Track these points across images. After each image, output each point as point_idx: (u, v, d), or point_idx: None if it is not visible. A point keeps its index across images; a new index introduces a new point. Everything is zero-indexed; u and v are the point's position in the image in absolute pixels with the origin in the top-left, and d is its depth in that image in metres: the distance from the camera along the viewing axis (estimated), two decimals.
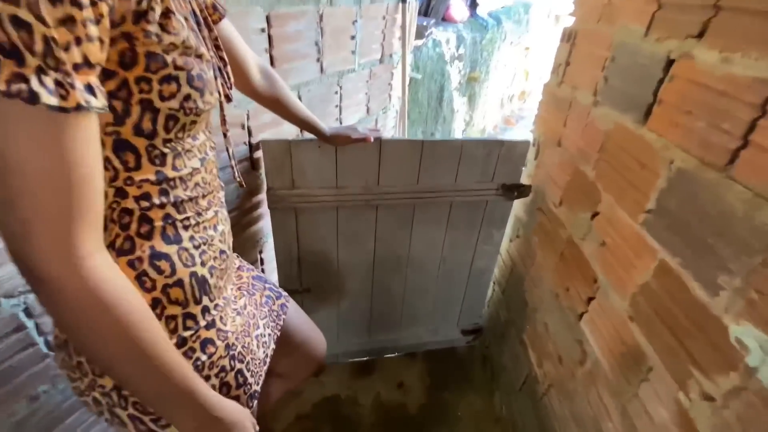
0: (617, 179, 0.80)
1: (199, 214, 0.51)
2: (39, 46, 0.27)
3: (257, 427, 0.58)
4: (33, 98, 0.27)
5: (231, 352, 0.56)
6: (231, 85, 0.54)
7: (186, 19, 0.42)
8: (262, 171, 1.06)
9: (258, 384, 0.63)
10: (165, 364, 0.40)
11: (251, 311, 0.67)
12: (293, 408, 1.32)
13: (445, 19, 2.39)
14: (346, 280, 1.32)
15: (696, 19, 0.61)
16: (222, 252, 0.55)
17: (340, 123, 1.36)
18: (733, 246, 0.54)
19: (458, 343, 1.64)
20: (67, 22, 0.28)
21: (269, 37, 0.92)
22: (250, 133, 0.99)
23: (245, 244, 1.12)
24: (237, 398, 0.59)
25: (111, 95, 0.38)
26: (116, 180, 0.43)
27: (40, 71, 0.28)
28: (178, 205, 0.48)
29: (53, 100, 0.28)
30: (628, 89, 0.78)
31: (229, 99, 0.56)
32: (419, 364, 1.57)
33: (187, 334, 0.49)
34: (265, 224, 1.18)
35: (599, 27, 0.91)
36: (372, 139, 1.00)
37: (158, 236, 0.46)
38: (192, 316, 0.50)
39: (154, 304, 0.46)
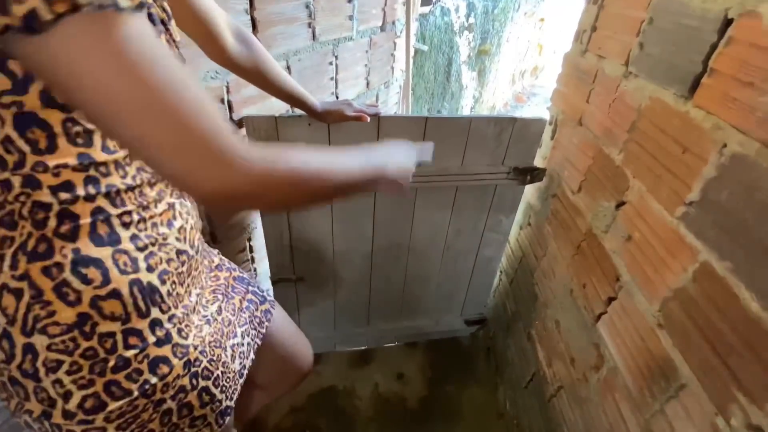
0: (652, 164, 0.69)
1: (144, 207, 0.41)
2: None
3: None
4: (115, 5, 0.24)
5: (193, 369, 0.48)
6: (176, 45, 0.44)
7: None
8: None
9: (231, 399, 0.56)
10: (350, 174, 0.42)
11: (227, 317, 0.59)
12: (287, 399, 1.27)
13: None
14: (343, 269, 1.24)
15: None
16: (181, 252, 0.46)
17: (336, 96, 1.24)
18: None
19: (461, 333, 1.57)
20: None
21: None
22: (231, 109, 0.88)
23: (231, 231, 1.03)
24: (203, 417, 0.51)
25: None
26: (22, 166, 0.33)
27: None
28: (113, 196, 0.38)
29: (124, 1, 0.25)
30: (670, 57, 0.65)
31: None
32: (420, 354, 1.51)
33: (129, 353, 0.41)
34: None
35: None
36: (369, 118, 0.89)
37: (85, 236, 0.37)
38: (136, 333, 0.41)
39: (81, 320, 0.38)
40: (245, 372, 0.61)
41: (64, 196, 0.35)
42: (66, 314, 0.37)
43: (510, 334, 1.31)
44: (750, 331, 0.49)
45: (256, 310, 0.69)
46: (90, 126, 0.35)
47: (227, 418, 0.55)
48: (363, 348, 1.51)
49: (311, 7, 0.97)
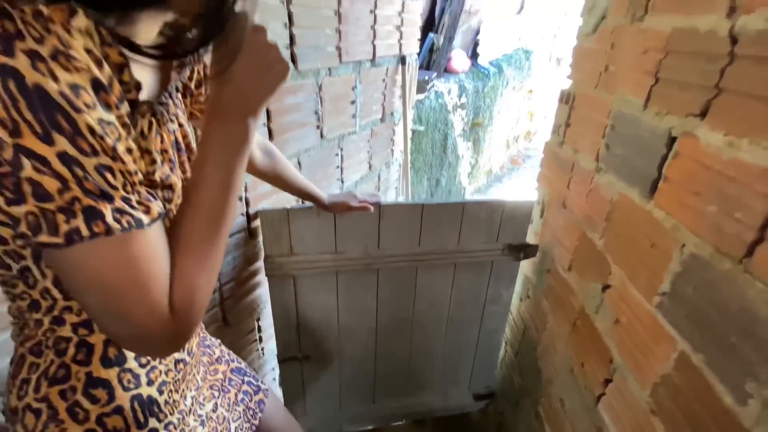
0: (627, 254, 0.75)
1: None
2: (118, 178, 0.31)
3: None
4: (139, 224, 0.32)
5: None
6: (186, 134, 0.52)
7: (165, 151, 0.42)
8: (260, 239, 1.04)
9: None
10: (227, 205, 0.40)
11: (221, 414, 0.62)
12: None
13: (447, 71, 2.46)
14: (348, 345, 1.26)
15: (696, 98, 0.60)
16: (179, 361, 0.52)
17: (341, 182, 1.36)
18: (759, 350, 0.48)
19: (470, 408, 1.54)
20: (130, 150, 0.33)
21: (267, 112, 0.93)
22: (247, 204, 0.98)
23: (242, 313, 1.09)
24: None
25: None
26: (53, 310, 0.40)
27: (126, 200, 0.32)
28: None
29: (146, 219, 0.33)
30: (632, 160, 0.75)
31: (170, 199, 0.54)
32: (428, 431, 1.46)
33: None
34: (263, 292, 1.15)
35: (598, 93, 0.90)
36: (372, 208, 0.98)
37: (97, 360, 0.43)
38: None
39: None
40: None
41: (83, 331, 0.42)
42: (74, 431, 0.42)
43: (519, 410, 1.29)
44: (728, 424, 0.52)
45: (250, 401, 0.72)
46: None
47: None
48: (370, 428, 1.47)
49: (319, 113, 1.12)
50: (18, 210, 0.28)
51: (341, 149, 1.28)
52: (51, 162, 0.27)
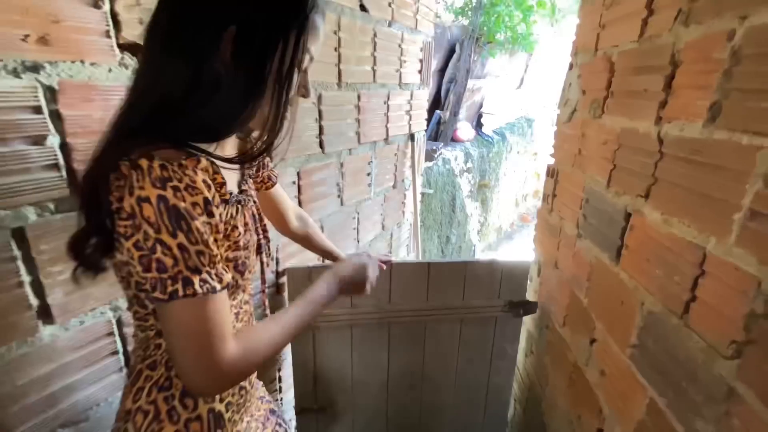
0: (605, 310, 0.87)
1: None
2: (207, 260, 0.47)
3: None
4: (213, 290, 0.47)
5: None
6: (271, 256, 0.70)
7: (246, 224, 0.59)
8: (286, 294, 1.19)
9: None
10: (298, 327, 0.59)
11: None
12: None
13: (454, 140, 2.72)
14: (361, 398, 1.34)
15: (641, 183, 0.75)
16: (242, 388, 0.65)
17: (357, 241, 1.52)
18: (702, 393, 0.58)
19: None
20: (216, 241, 0.49)
21: (299, 186, 1.13)
22: (277, 263, 1.14)
23: (266, 364, 1.20)
24: None
25: None
26: None
27: (208, 273, 0.47)
28: None
29: (219, 287, 0.48)
30: (602, 229, 0.89)
31: (268, 265, 0.72)
32: None
33: None
34: None
35: (574, 171, 1.07)
36: (384, 266, 1.13)
37: None
38: None
39: None
40: None
41: None
42: (168, 430, 0.55)
43: None
44: None
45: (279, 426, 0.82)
46: None
47: None
48: None
49: (340, 184, 1.31)
50: (146, 275, 0.45)
51: (358, 213, 1.46)
52: (173, 249, 0.44)
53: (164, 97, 0.47)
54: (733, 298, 0.53)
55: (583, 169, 1.01)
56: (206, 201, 0.47)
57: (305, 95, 0.60)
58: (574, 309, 1.04)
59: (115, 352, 0.78)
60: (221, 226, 0.51)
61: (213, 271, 0.48)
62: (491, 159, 3.08)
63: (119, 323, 0.77)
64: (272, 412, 0.84)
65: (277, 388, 1.27)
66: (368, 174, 1.48)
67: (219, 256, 0.50)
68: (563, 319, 1.10)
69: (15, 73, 0.56)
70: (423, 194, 2.15)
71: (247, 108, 0.50)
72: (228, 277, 0.50)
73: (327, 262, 1.13)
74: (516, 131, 3.44)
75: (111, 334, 0.76)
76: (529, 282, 1.31)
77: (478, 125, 3.10)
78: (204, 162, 0.48)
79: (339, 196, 1.33)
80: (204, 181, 0.47)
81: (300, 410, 1.30)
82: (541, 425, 1.21)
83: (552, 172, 1.22)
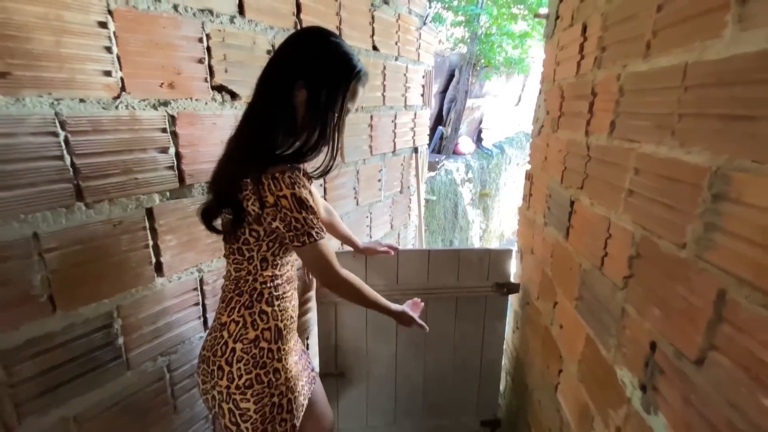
0: (561, 277, 1.13)
1: (285, 293, 0.90)
2: (316, 223, 0.81)
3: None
4: (322, 237, 0.82)
5: (289, 384, 0.90)
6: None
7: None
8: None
9: (298, 420, 0.93)
10: (371, 302, 0.98)
11: (300, 367, 1.00)
12: None
13: (455, 153, 3.02)
14: (374, 366, 1.59)
15: (579, 178, 1.03)
16: (291, 317, 0.93)
17: (370, 237, 1.81)
18: (611, 317, 0.84)
19: None
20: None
21: (324, 189, 1.43)
22: None
23: (298, 331, 1.48)
24: (284, 422, 0.89)
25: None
26: (256, 276, 0.85)
27: (318, 229, 0.81)
28: (277, 287, 0.88)
29: (324, 235, 0.83)
30: (558, 216, 1.17)
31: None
32: None
33: (268, 360, 0.86)
34: (312, 315, 1.55)
35: (542, 174, 1.35)
36: (392, 252, 1.41)
37: (264, 300, 0.86)
38: (272, 351, 0.86)
39: (255, 339, 0.84)
40: (305, 404, 0.98)
41: (259, 286, 0.86)
42: (250, 335, 0.84)
43: (517, 428, 1.54)
44: (604, 367, 0.85)
45: (311, 372, 1.09)
46: (277, 262, 0.87)
47: None
48: None
49: (356, 188, 1.61)
50: (288, 234, 0.77)
51: (370, 213, 1.75)
52: (299, 219, 0.76)
53: (264, 128, 0.79)
54: (623, 249, 0.80)
55: (547, 171, 1.29)
56: (310, 191, 0.80)
57: None
58: (544, 284, 1.30)
59: (197, 304, 1.07)
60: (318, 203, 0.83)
61: (319, 227, 0.81)
62: (491, 170, 3.37)
63: (201, 282, 1.07)
64: (305, 353, 1.12)
65: None
66: (379, 180, 1.77)
67: (320, 220, 0.83)
68: (537, 293, 1.36)
69: (154, 107, 0.88)
70: (427, 200, 2.43)
71: (319, 144, 0.83)
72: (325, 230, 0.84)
73: (347, 248, 1.42)
74: (515, 145, 3.73)
75: (196, 289, 1.06)
76: (513, 267, 1.57)
77: (479, 139, 3.40)
78: (303, 170, 0.83)
79: (355, 197, 1.63)
80: (305, 183, 0.80)
81: (323, 375, 1.56)
82: (524, 385, 1.45)
83: (529, 176, 1.50)
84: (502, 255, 1.52)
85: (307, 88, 0.79)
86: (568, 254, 1.08)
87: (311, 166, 0.90)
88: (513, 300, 1.60)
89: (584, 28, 1.03)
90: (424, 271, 1.50)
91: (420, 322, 1.12)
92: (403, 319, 1.10)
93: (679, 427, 0.62)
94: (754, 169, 0.50)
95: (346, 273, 0.90)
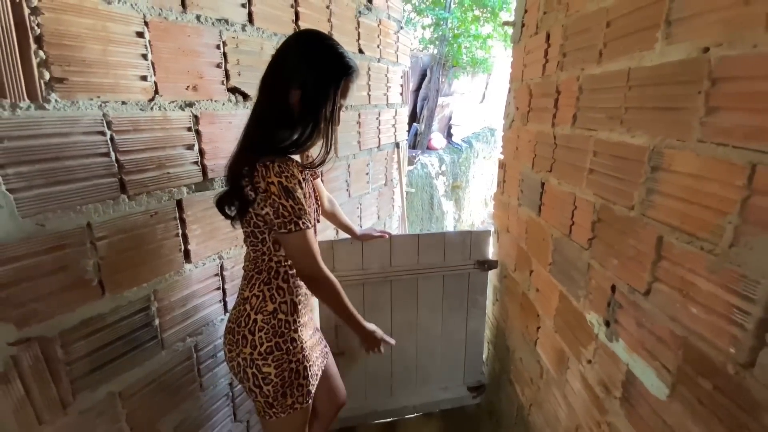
0: (535, 248, 1.33)
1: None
2: (303, 212, 0.88)
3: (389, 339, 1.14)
4: (307, 227, 0.87)
5: (304, 353, 1.01)
6: (319, 218, 1.11)
7: (307, 194, 1.01)
8: None
9: (313, 387, 1.05)
10: (345, 308, 1.00)
11: (314, 341, 1.11)
12: None
13: (429, 148, 3.21)
14: None
15: (548, 163, 1.22)
16: (305, 293, 1.05)
17: (361, 227, 1.94)
18: (578, 273, 1.04)
19: (467, 401, 1.95)
20: (307, 199, 0.89)
21: (321, 181, 1.55)
22: None
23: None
24: (301, 387, 1.01)
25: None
26: (271, 255, 0.96)
27: (304, 219, 0.87)
28: (291, 266, 1.00)
29: (310, 225, 0.89)
30: (530, 196, 1.36)
31: (318, 221, 1.12)
32: (435, 423, 1.86)
33: (286, 330, 0.97)
34: (315, 300, 1.66)
35: (514, 162, 1.54)
36: (387, 236, 1.56)
37: (280, 277, 0.98)
38: (289, 323, 0.98)
39: (274, 311, 0.95)
40: (318, 377, 1.09)
41: (276, 266, 0.97)
42: (269, 307, 0.95)
43: (500, 388, 1.74)
44: (575, 314, 1.05)
45: (324, 347, 1.21)
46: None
47: (308, 401, 1.04)
48: (389, 420, 1.86)
49: (348, 181, 1.74)
50: (276, 221, 0.86)
51: (360, 204, 1.88)
52: (287, 207, 0.85)
53: (264, 124, 0.89)
54: (586, 216, 1.00)
55: (519, 159, 1.49)
56: (299, 181, 0.88)
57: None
58: (520, 257, 1.50)
59: (218, 288, 1.16)
60: (308, 193, 0.93)
61: (306, 218, 0.89)
62: (461, 164, 3.60)
63: (221, 268, 1.16)
64: (318, 330, 1.23)
65: None
66: (367, 173, 1.91)
67: (308, 211, 0.91)
68: (514, 266, 1.56)
69: (181, 108, 0.97)
70: (407, 192, 2.60)
71: (312, 136, 0.91)
72: (313, 221, 0.92)
73: (344, 236, 1.54)
74: (481, 139, 3.99)
75: (217, 274, 1.15)
76: (490, 246, 1.76)
77: (449, 135, 3.61)
78: (295, 162, 0.91)
79: (347, 189, 1.76)
80: (296, 172, 0.88)
81: None
82: (505, 348, 1.65)
83: (502, 165, 1.70)
84: (481, 235, 1.71)
85: (302, 85, 0.87)
86: (541, 227, 1.27)
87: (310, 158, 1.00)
88: (491, 276, 1.80)
89: (548, 36, 1.22)
90: (414, 253, 1.66)
91: (388, 339, 1.16)
92: (371, 339, 1.11)
93: (635, 345, 0.81)
94: (678, 145, 0.70)
95: (328, 272, 0.94)
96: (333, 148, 0.94)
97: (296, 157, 1.00)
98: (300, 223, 0.86)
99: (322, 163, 0.94)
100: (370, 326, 1.10)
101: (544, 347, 1.27)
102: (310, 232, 0.89)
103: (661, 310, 0.74)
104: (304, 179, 0.94)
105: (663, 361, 0.74)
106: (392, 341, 1.16)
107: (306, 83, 0.87)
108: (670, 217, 0.71)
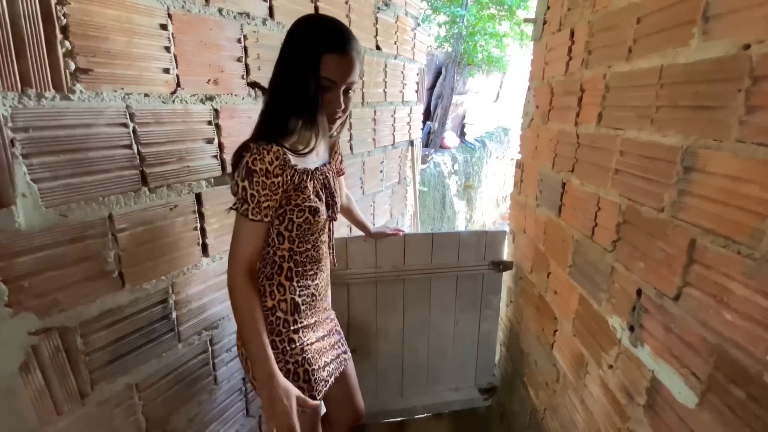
0: (554, 250, 1.30)
1: (306, 271, 1.00)
2: (254, 200, 0.83)
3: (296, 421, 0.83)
4: (247, 216, 0.83)
5: (304, 355, 0.97)
6: (336, 216, 1.08)
7: (318, 192, 0.98)
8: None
9: (318, 393, 1.00)
10: (258, 332, 0.84)
11: (326, 345, 1.08)
12: None
13: (442, 147, 3.18)
14: (382, 343, 1.73)
15: (570, 163, 1.20)
16: (313, 294, 1.02)
17: (374, 224, 1.93)
18: (601, 276, 1.01)
19: (477, 403, 1.92)
20: (270, 192, 0.84)
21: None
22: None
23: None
24: (301, 389, 0.94)
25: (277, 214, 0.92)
26: (276, 249, 0.95)
27: (253, 207, 0.83)
28: (296, 263, 0.98)
29: (252, 217, 0.83)
30: (550, 197, 1.34)
31: (334, 219, 1.09)
32: (445, 424, 1.84)
33: (284, 329, 0.95)
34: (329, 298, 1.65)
35: (533, 162, 1.52)
36: (401, 234, 1.54)
37: (283, 274, 0.96)
38: (288, 322, 0.96)
39: (273, 308, 0.94)
40: (330, 381, 1.05)
41: (280, 261, 0.95)
42: (268, 303, 0.93)
43: (513, 390, 1.71)
44: (596, 318, 1.02)
45: (343, 353, 1.18)
46: (295, 239, 0.97)
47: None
48: (399, 420, 1.85)
49: (362, 178, 1.73)
50: (235, 198, 0.83)
51: (374, 201, 1.87)
52: (243, 184, 0.81)
53: (262, 111, 0.88)
54: (611, 218, 0.97)
55: (538, 160, 1.46)
56: (266, 170, 0.81)
57: (343, 113, 0.90)
58: (537, 258, 1.47)
59: None
60: (288, 185, 0.87)
61: (255, 207, 0.82)
62: (474, 163, 3.56)
63: None
64: (338, 332, 1.20)
65: None
66: (381, 171, 1.90)
67: (267, 203, 0.84)
68: (530, 267, 1.54)
69: (202, 102, 0.97)
70: (420, 192, 2.58)
71: (283, 116, 0.85)
72: (262, 216, 0.84)
73: (357, 233, 1.53)
74: (494, 139, 3.95)
75: None
76: (506, 247, 1.74)
77: (462, 134, 3.58)
78: (275, 148, 0.82)
79: (361, 187, 1.75)
80: (270, 160, 0.82)
81: None
82: (519, 350, 1.63)
83: (519, 165, 1.67)
84: (497, 236, 1.68)
85: (278, 63, 0.84)
86: (561, 229, 1.25)
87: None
88: (506, 277, 1.77)
89: (572, 33, 1.19)
90: (428, 252, 1.64)
91: (309, 402, 0.89)
92: (273, 403, 0.82)
93: (661, 351, 0.79)
94: (714, 146, 0.67)
95: (249, 279, 0.85)
96: (316, 136, 0.86)
97: (321, 146, 0.97)
98: (244, 207, 0.82)
99: (307, 151, 0.87)
100: (282, 382, 0.83)
101: (561, 351, 1.25)
102: (252, 225, 0.84)
103: (691, 316, 0.71)
104: (306, 173, 0.89)
105: (692, 368, 0.71)
106: (314, 404, 0.89)
107: (281, 57, 0.84)
108: (703, 219, 0.69)
